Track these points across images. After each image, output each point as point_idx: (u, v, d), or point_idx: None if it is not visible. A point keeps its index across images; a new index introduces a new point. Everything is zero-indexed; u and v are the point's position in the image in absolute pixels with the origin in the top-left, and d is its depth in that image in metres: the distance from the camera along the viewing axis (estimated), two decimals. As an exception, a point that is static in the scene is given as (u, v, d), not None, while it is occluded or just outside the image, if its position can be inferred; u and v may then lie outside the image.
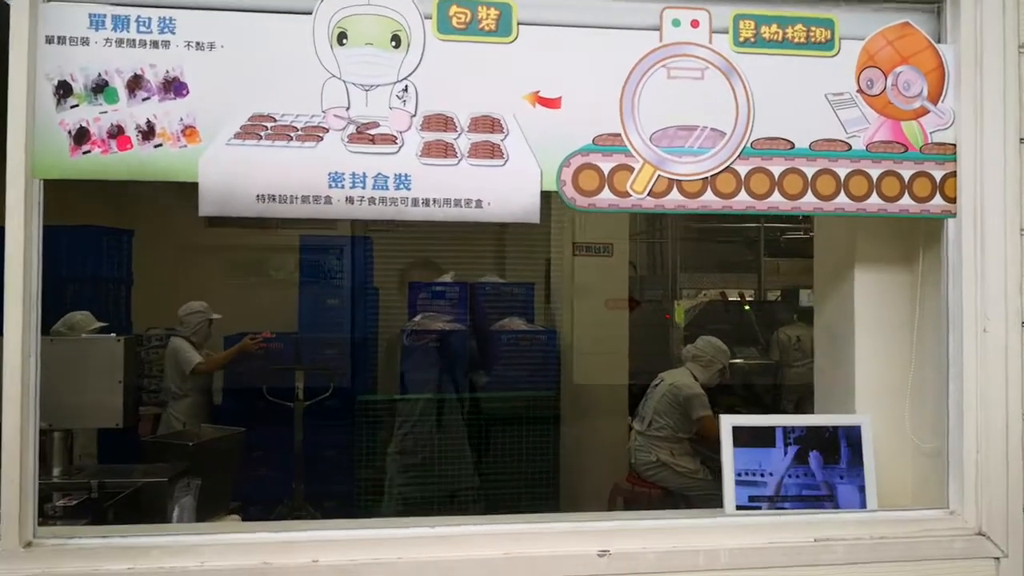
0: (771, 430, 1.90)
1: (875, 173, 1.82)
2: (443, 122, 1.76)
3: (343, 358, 5.90)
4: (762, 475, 1.88)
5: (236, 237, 7.94)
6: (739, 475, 1.87)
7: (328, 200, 1.74)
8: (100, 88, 1.71)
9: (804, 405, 8.00)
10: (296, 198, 1.73)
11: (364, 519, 1.80)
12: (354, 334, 6.12)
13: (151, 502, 2.60)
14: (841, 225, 2.13)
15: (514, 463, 5.29)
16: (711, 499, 4.75)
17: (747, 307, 8.25)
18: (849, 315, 2.04)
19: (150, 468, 2.84)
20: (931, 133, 1.84)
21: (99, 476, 2.60)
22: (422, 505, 5.17)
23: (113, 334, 2.97)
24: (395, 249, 8.88)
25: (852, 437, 1.90)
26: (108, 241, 5.90)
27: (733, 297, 8.24)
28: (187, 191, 1.76)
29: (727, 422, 1.89)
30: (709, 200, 1.78)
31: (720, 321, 8.85)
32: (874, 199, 1.81)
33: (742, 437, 1.89)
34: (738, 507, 1.86)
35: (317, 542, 1.67)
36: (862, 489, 1.88)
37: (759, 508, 1.86)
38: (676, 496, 4.80)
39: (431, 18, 1.74)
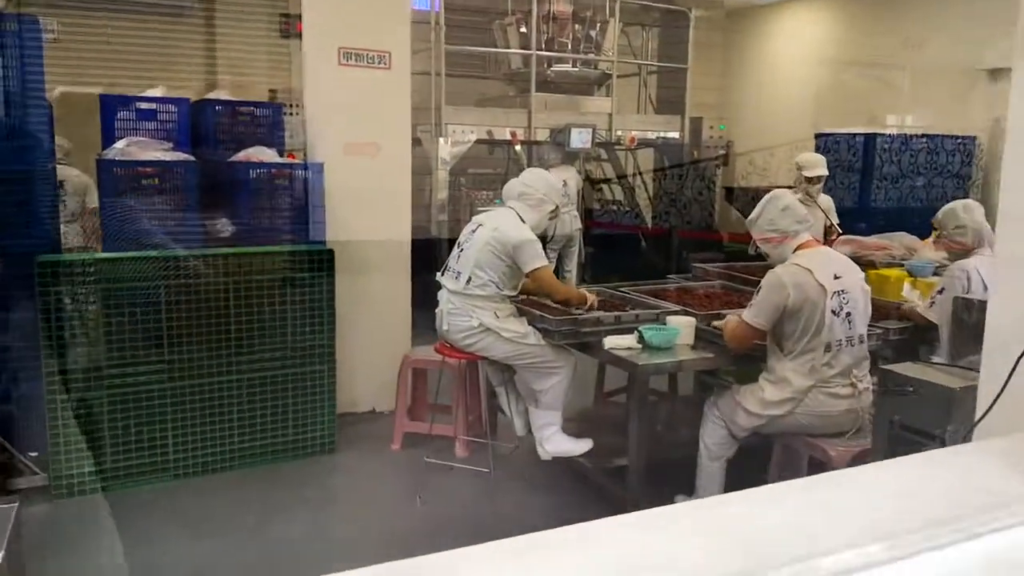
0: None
1: None
2: None
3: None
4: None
5: None
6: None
7: None
8: None
9: (564, 257, 7.47)
10: None
11: None
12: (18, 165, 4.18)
13: None
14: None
15: (278, 336, 3.97)
16: (543, 368, 3.93)
17: (518, 148, 7.36)
18: None
19: None
20: None
21: None
22: (149, 403, 3.71)
23: None
24: (80, 46, 6.62)
25: None
26: None
27: (503, 136, 7.27)
28: None
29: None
30: None
31: (489, 163, 7.91)
32: None
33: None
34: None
35: None
36: None
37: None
38: (498, 366, 3.87)
39: None
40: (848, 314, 3.10)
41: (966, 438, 1.71)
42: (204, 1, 8.81)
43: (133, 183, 4.06)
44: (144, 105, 4.55)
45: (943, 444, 2.09)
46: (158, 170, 4.12)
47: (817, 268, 3.10)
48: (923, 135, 7.30)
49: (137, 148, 4.18)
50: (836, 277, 3.11)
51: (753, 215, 3.33)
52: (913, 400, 2.17)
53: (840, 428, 3.13)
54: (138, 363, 3.69)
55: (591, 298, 3.74)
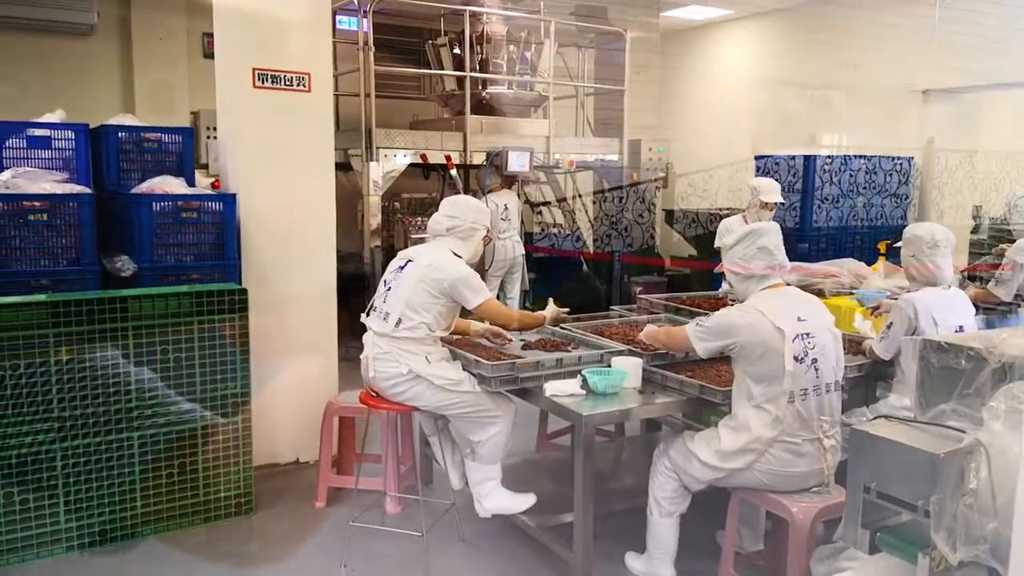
0: None
1: None
2: None
3: None
4: None
5: None
6: None
7: None
8: None
9: (507, 283, 7.20)
10: None
11: None
12: None
13: None
14: None
15: (185, 386, 3.58)
16: (480, 418, 3.59)
17: (454, 172, 7.05)
18: None
19: None
20: None
21: None
22: (37, 466, 3.28)
23: None
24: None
25: None
26: None
27: (437, 160, 6.95)
28: None
29: None
30: None
31: (424, 187, 7.60)
32: None
33: None
34: None
35: None
36: None
37: None
38: (432, 414, 3.54)
39: None
40: (815, 360, 2.85)
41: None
42: (118, 21, 8.34)
43: (18, 219, 3.63)
44: (37, 132, 4.14)
45: (926, 515, 1.85)
46: (48, 204, 3.71)
47: (774, 311, 2.85)
48: (861, 156, 7.26)
49: (24, 180, 3.76)
50: (800, 320, 2.87)
51: (728, 242, 3.08)
52: (892, 465, 1.93)
53: (803, 486, 2.89)
54: (23, 422, 3.25)
55: (550, 314, 3.63)
